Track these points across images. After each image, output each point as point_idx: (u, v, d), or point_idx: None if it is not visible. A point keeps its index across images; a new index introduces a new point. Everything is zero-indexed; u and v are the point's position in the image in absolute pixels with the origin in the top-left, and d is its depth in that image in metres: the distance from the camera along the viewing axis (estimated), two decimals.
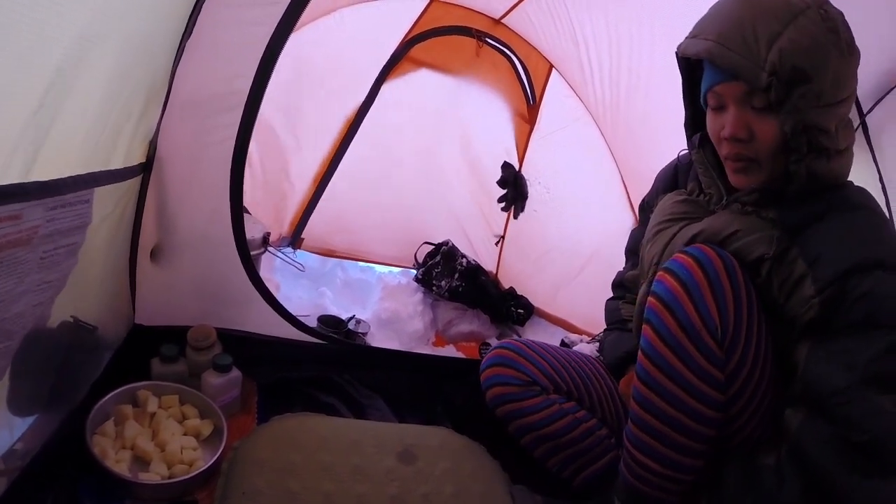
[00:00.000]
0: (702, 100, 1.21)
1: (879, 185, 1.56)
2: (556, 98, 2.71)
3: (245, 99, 1.36)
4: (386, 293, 2.70)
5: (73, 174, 0.95)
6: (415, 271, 2.83)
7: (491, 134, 2.82)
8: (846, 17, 1.09)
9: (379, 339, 2.48)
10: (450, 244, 2.86)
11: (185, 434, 1.45)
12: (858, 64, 1.11)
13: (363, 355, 1.97)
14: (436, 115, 2.75)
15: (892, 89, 1.55)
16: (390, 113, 2.66)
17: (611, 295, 1.69)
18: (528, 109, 2.74)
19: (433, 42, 2.59)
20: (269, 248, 1.98)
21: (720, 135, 1.15)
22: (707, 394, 1.08)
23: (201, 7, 1.23)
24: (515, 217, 2.83)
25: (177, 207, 1.48)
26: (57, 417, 1.29)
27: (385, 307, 2.62)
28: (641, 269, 1.39)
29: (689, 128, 1.32)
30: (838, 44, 1.06)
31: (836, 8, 1.09)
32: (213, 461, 1.37)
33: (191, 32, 1.25)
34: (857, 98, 1.58)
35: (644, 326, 1.12)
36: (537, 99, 2.73)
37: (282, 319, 1.75)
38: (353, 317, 2.43)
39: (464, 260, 2.80)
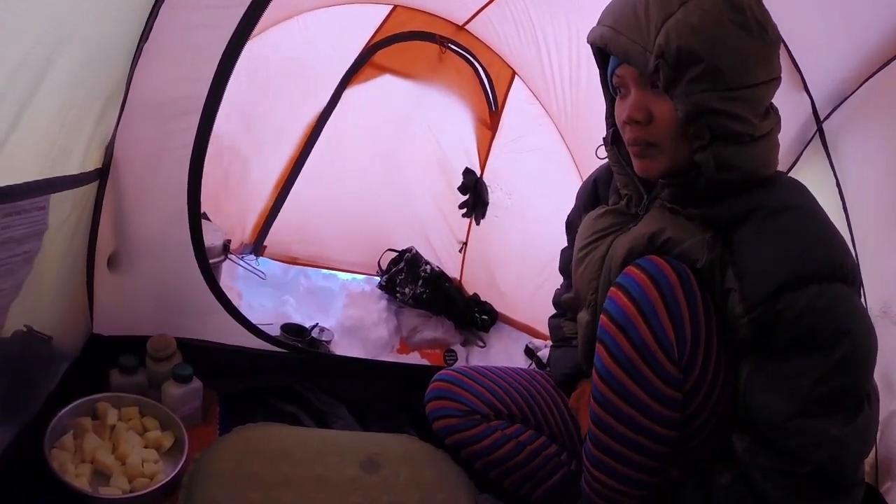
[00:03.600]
0: (609, 88, 1.18)
1: (836, 191, 1.59)
2: (518, 104, 2.73)
3: (202, 103, 1.33)
4: (350, 300, 2.68)
5: (28, 180, 0.92)
6: (378, 278, 2.82)
7: (453, 140, 2.82)
8: (800, 23, 1.08)
9: (343, 347, 2.46)
10: (413, 251, 2.85)
11: (145, 446, 1.42)
12: (778, 48, 1.05)
13: (326, 364, 1.95)
14: (398, 121, 2.75)
15: (847, 97, 1.59)
16: (353, 119, 2.64)
17: (555, 290, 1.67)
18: (490, 116, 2.76)
19: (396, 48, 2.59)
20: (230, 256, 1.94)
21: (622, 118, 1.11)
22: (663, 414, 1.04)
23: (158, 10, 1.20)
24: (477, 223, 2.84)
25: (134, 214, 1.44)
26: (11, 430, 1.24)
27: (349, 315, 2.60)
28: (577, 294, 1.33)
29: (609, 122, 1.26)
30: (744, 23, 0.99)
31: None
32: (174, 474, 1.34)
33: (148, 36, 1.23)
34: (813, 105, 1.63)
35: (598, 346, 1.08)
36: (499, 105, 2.75)
37: (243, 328, 1.72)
38: (315, 325, 2.41)
39: (427, 267, 2.80)
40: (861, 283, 1.05)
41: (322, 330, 2.42)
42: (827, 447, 0.93)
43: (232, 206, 2.54)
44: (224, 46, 1.29)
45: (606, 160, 1.30)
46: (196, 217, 1.48)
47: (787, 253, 0.97)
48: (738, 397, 1.03)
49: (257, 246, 2.68)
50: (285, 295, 2.62)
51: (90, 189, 1.32)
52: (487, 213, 2.81)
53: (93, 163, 1.29)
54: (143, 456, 1.38)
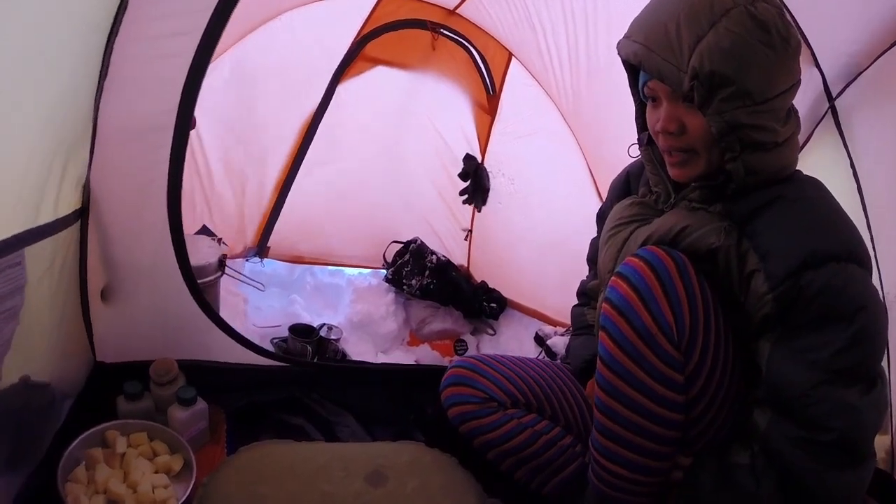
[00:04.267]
0: (640, 94, 1.21)
1: (850, 171, 1.54)
2: (516, 87, 2.66)
3: (171, 133, 1.32)
4: (357, 296, 2.68)
5: None
6: (385, 271, 2.81)
7: (452, 127, 2.78)
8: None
9: (353, 343, 2.48)
10: (418, 242, 2.83)
11: (155, 471, 1.44)
12: (799, 54, 1.10)
13: (329, 372, 1.96)
14: (395, 112, 2.70)
15: (860, 73, 1.52)
16: (348, 114, 2.60)
17: (580, 281, 1.67)
18: (489, 100, 2.69)
19: (387, 38, 2.53)
20: (228, 270, 1.94)
21: (655, 128, 1.16)
22: (668, 397, 1.08)
23: (113, 46, 1.19)
24: (478, 210, 2.80)
25: (119, 247, 1.45)
26: (20, 476, 1.27)
27: (357, 310, 2.61)
28: (599, 277, 1.39)
29: (639, 123, 1.30)
30: (770, 41, 1.04)
31: (770, 2, 1.08)
32: (184, 498, 1.37)
33: (107, 73, 1.21)
34: (825, 81, 1.57)
35: (601, 333, 1.12)
36: (497, 89, 2.68)
37: (243, 345, 1.73)
38: (323, 324, 2.42)
39: (433, 257, 2.78)
40: (871, 270, 1.08)
41: (330, 328, 2.42)
42: (847, 415, 0.98)
43: (232, 213, 2.53)
44: (185, 73, 1.27)
45: (639, 157, 1.35)
46: (180, 241, 1.48)
47: (807, 234, 1.03)
48: (758, 374, 1.08)
49: (261, 248, 2.68)
50: (293, 294, 2.62)
51: (71, 231, 1.32)
52: (490, 199, 2.77)
53: (69, 205, 1.29)
54: (153, 482, 1.40)
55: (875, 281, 1.37)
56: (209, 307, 1.62)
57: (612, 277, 1.12)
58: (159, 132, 1.31)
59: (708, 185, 1.16)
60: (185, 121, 1.29)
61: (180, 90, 1.27)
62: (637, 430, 1.10)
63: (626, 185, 1.48)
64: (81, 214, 1.35)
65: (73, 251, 1.37)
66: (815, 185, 1.14)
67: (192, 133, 2.17)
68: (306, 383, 1.85)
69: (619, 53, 1.18)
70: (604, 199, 1.59)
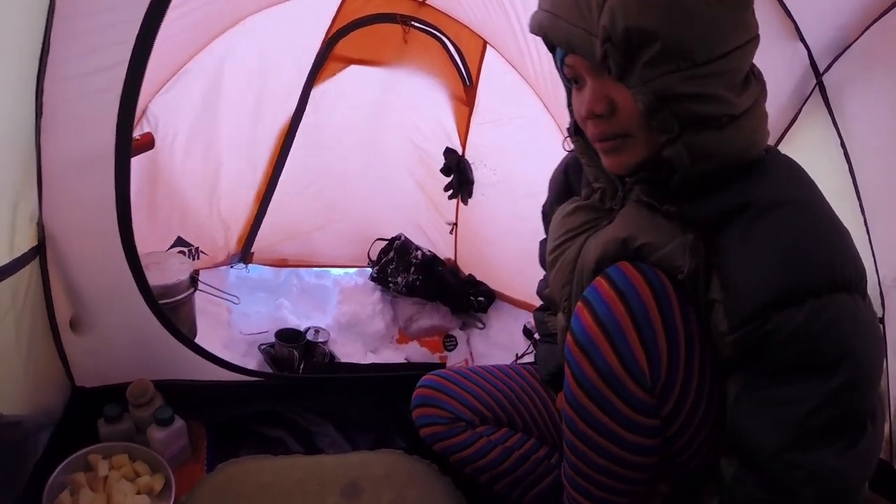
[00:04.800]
0: (562, 78, 1.03)
1: (841, 152, 1.46)
2: (493, 75, 2.60)
3: (112, 156, 1.31)
4: (343, 296, 2.68)
5: None
6: (370, 270, 2.80)
7: (431, 121, 2.73)
8: None
9: (341, 344, 2.48)
10: (402, 238, 2.81)
11: (137, 492, 1.45)
12: (752, 2, 0.89)
13: (309, 383, 1.96)
14: (372, 110, 2.66)
15: (849, 46, 1.44)
16: (325, 116, 2.57)
17: (538, 282, 1.62)
18: (466, 91, 2.64)
19: (357, 35, 2.47)
20: (201, 286, 1.94)
21: (581, 113, 0.97)
22: (638, 443, 0.96)
23: (43, 87, 1.18)
24: (465, 203, 2.77)
25: (80, 277, 1.44)
26: None
27: (344, 311, 2.61)
28: (552, 299, 1.24)
29: (571, 111, 1.09)
30: None
31: None
32: None
33: (41, 112, 1.20)
34: (811, 56, 1.48)
35: (565, 366, 0.99)
36: (474, 79, 2.63)
37: (214, 363, 1.74)
38: (310, 327, 2.43)
39: (418, 252, 2.76)
40: (864, 283, 0.89)
41: (318, 331, 2.43)
42: (823, 481, 0.84)
43: (212, 223, 2.53)
44: (117, 106, 1.25)
45: (573, 151, 1.16)
46: (136, 266, 1.47)
47: (778, 263, 0.84)
48: (725, 417, 0.94)
49: (245, 254, 2.67)
50: (279, 298, 2.63)
51: (30, 269, 1.32)
52: (474, 191, 2.74)
53: (25, 244, 1.29)
54: (136, 503, 1.42)
55: (870, 269, 1.30)
56: (175, 329, 1.62)
57: (579, 303, 0.97)
58: (101, 164, 1.30)
59: (648, 179, 0.95)
60: (124, 151, 1.28)
61: (115, 123, 1.26)
62: (605, 472, 1.00)
63: (565, 182, 1.30)
64: (39, 251, 1.35)
65: (35, 287, 1.37)
66: (794, 177, 0.93)
67: (163, 147, 2.18)
68: (285, 394, 1.86)
69: (530, 30, 0.98)
70: (542, 207, 1.42)
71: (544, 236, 2.42)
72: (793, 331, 0.82)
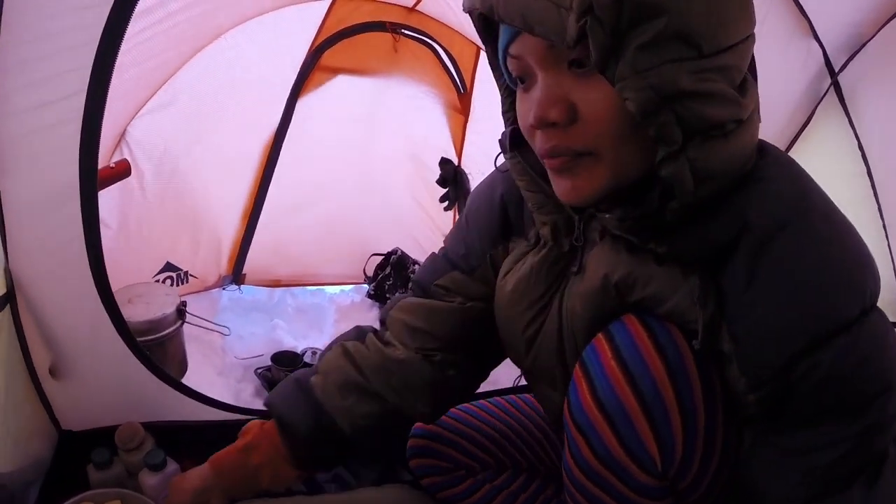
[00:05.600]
0: (505, 75, 0.82)
1: (858, 153, 1.40)
2: (488, 82, 2.47)
3: (77, 192, 1.20)
4: (340, 315, 2.59)
5: None
6: (367, 286, 2.71)
7: (424, 131, 2.66)
8: None
9: None
10: (399, 252, 2.73)
11: None
12: None
13: None
14: (362, 121, 2.57)
15: (865, 43, 1.39)
16: (312, 129, 2.48)
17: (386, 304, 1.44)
18: (460, 99, 2.57)
19: (344, 44, 2.39)
20: (189, 319, 1.86)
21: (528, 122, 0.74)
22: None
23: None
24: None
25: (54, 323, 1.35)
26: None
27: (341, 329, 2.45)
28: (531, 374, 1.03)
29: (509, 119, 0.90)
30: None
31: None
32: None
33: None
34: (826, 55, 1.41)
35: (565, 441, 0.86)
36: (468, 86, 2.56)
37: (204, 403, 1.65)
38: (307, 349, 2.34)
39: (416, 267, 2.67)
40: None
41: (315, 353, 2.34)
42: None
43: (200, 246, 2.44)
44: (79, 139, 1.14)
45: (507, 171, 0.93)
46: (112, 307, 1.38)
47: (800, 300, 0.68)
48: (737, 461, 0.80)
49: (236, 275, 2.59)
50: (275, 319, 2.53)
51: (1, 319, 1.23)
52: None
53: None
54: None
55: (888, 275, 1.24)
56: (160, 370, 1.53)
57: (576, 368, 0.82)
58: (66, 202, 1.21)
59: (629, 215, 0.74)
60: (89, 187, 1.18)
61: (77, 159, 1.15)
62: None
63: (502, 217, 1.01)
64: (9, 299, 1.26)
65: (8, 337, 1.28)
66: (790, 177, 0.76)
67: (145, 170, 2.09)
68: None
69: (464, 8, 0.78)
70: (447, 249, 1.13)
71: None
72: (824, 375, 0.67)
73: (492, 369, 1.23)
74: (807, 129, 1.51)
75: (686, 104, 0.64)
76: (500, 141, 0.90)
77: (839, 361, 0.67)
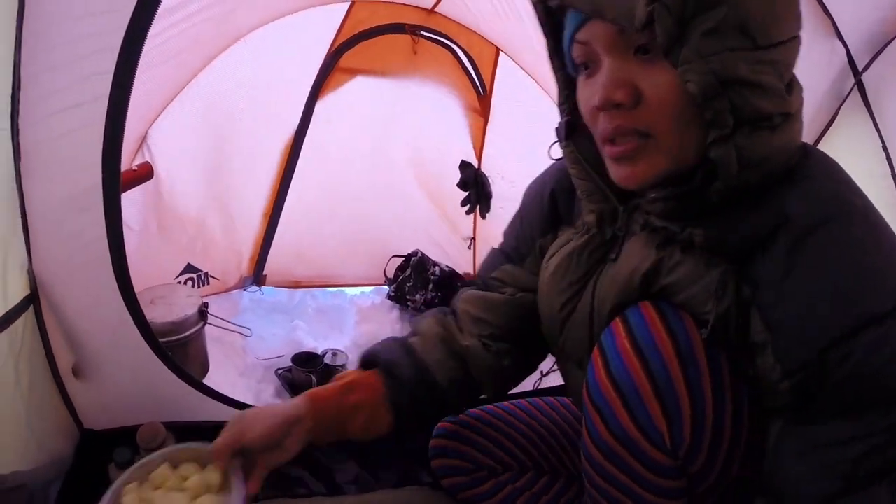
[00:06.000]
0: (568, 63, 0.86)
1: (883, 155, 1.38)
2: (507, 83, 2.52)
3: (101, 195, 1.22)
4: (361, 316, 2.59)
5: None
6: (387, 288, 2.71)
7: (444, 133, 2.64)
8: None
9: None
10: (419, 254, 2.71)
11: (195, 498, 1.09)
12: None
13: None
14: (381, 123, 2.57)
15: (889, 42, 1.36)
16: (332, 130, 2.48)
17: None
18: (480, 101, 2.55)
19: (363, 46, 2.39)
20: (210, 320, 1.87)
21: (591, 104, 0.79)
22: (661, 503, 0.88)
23: (18, 127, 1.09)
24: (483, 217, 2.67)
25: (77, 324, 1.37)
26: None
27: (362, 331, 2.52)
28: (563, 351, 1.07)
29: (565, 110, 0.94)
30: None
31: None
32: None
33: (19, 154, 1.12)
34: (849, 54, 1.39)
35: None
36: (488, 88, 2.54)
37: (225, 404, 1.66)
38: (328, 350, 2.35)
39: (436, 269, 2.66)
40: None
41: (335, 354, 2.35)
42: None
43: (222, 246, 2.45)
44: (102, 142, 1.16)
45: (561, 160, 0.98)
46: (134, 308, 1.40)
47: (837, 289, 0.70)
48: (763, 453, 0.81)
49: (257, 276, 2.60)
50: (295, 320, 2.54)
51: (25, 319, 1.25)
52: (492, 204, 2.64)
53: (18, 294, 1.22)
54: None
55: None
56: (182, 370, 1.54)
57: (595, 349, 0.86)
58: (90, 205, 1.22)
59: (674, 195, 0.79)
60: (112, 190, 1.20)
61: (100, 162, 1.17)
62: None
63: (551, 209, 1.08)
64: (32, 300, 1.28)
65: (31, 337, 1.30)
66: (831, 178, 0.79)
67: (167, 173, 2.11)
68: None
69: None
70: (507, 243, 1.21)
71: None
72: (856, 364, 0.69)
73: (539, 363, 1.26)
74: (830, 129, 1.49)
75: (741, 92, 0.69)
76: (556, 130, 0.94)
77: (871, 352, 0.69)
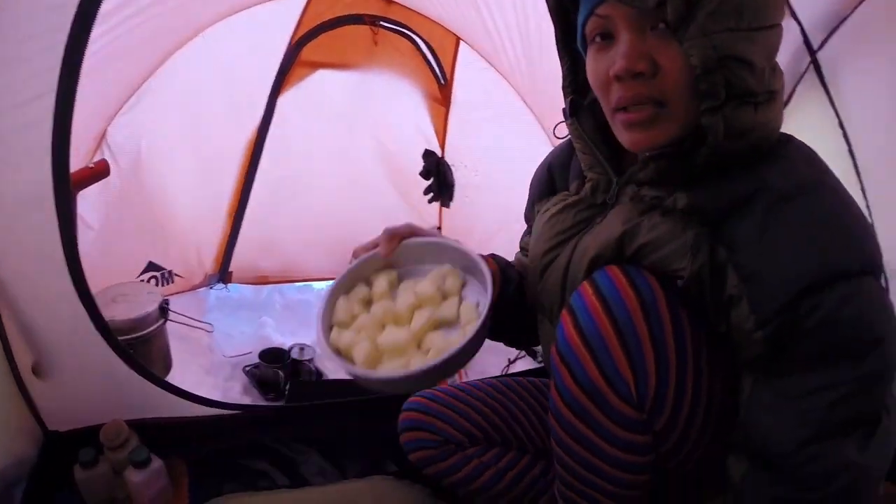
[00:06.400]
0: (579, 40, 0.92)
1: (839, 131, 1.40)
2: (468, 72, 2.53)
3: (52, 193, 1.21)
4: None
5: None
6: None
7: (407, 123, 2.65)
8: None
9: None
10: None
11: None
12: None
13: (290, 411, 1.88)
14: (344, 115, 2.56)
15: (845, 18, 1.37)
16: (295, 123, 2.48)
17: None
18: (441, 90, 2.56)
19: (324, 38, 2.39)
20: (172, 317, 1.86)
21: (609, 75, 0.85)
22: (627, 461, 0.90)
23: None
24: (446, 206, 2.69)
25: (34, 323, 1.36)
26: None
27: None
28: (540, 304, 1.14)
29: (568, 87, 1.02)
30: None
31: None
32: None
33: None
34: (804, 33, 1.42)
35: (551, 374, 0.93)
36: (448, 77, 2.55)
37: (187, 399, 1.66)
38: (294, 345, 2.35)
39: None
40: (883, 268, 0.84)
41: (302, 349, 2.36)
42: (845, 474, 0.78)
43: (186, 243, 2.44)
44: (50, 139, 1.15)
45: (566, 138, 1.08)
46: (91, 306, 1.39)
47: (807, 246, 0.77)
48: (735, 414, 0.87)
49: (223, 273, 2.59)
50: (263, 316, 2.54)
51: None
52: (456, 193, 2.66)
53: None
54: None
55: None
56: (142, 368, 1.54)
57: (564, 310, 0.90)
58: (42, 203, 1.21)
59: (668, 154, 0.87)
60: (63, 188, 1.19)
61: (49, 159, 1.16)
62: (593, 486, 0.94)
63: (548, 180, 1.18)
64: None
65: None
66: (809, 161, 0.87)
67: (126, 170, 2.09)
68: (268, 422, 1.78)
69: None
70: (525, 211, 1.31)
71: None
72: (824, 316, 0.75)
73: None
74: (787, 108, 1.50)
75: (734, 68, 0.78)
76: (563, 110, 1.02)
77: (840, 305, 0.75)
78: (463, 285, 1.05)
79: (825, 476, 0.78)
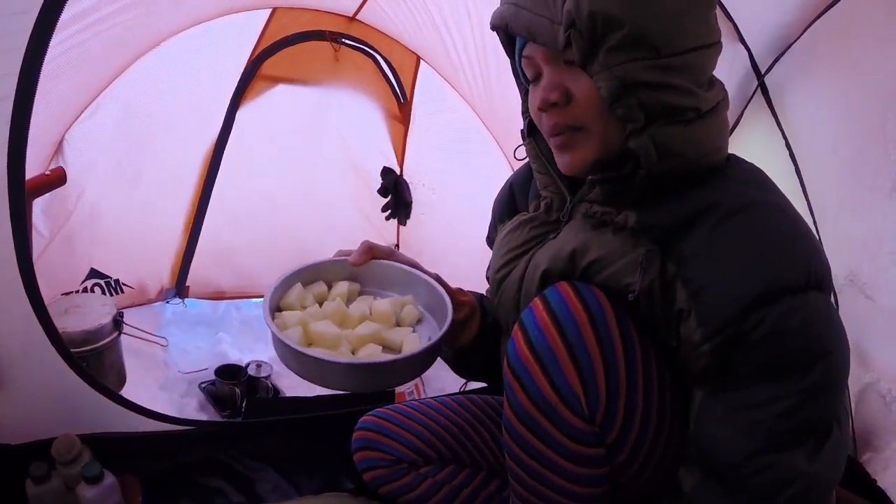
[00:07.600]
0: (521, 75, 1.01)
1: (786, 152, 1.45)
2: (427, 91, 2.57)
3: (6, 200, 1.18)
4: None
5: None
6: None
7: (366, 141, 2.67)
8: None
9: (285, 376, 2.37)
10: None
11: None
12: (714, 6, 0.90)
13: (246, 427, 1.86)
14: (304, 130, 2.57)
15: (790, 45, 1.42)
16: (254, 138, 2.47)
17: None
18: (400, 108, 2.60)
19: (285, 53, 2.40)
20: (126, 330, 1.83)
21: (535, 106, 0.93)
22: (581, 474, 0.91)
23: None
24: (403, 224, 2.71)
25: None
26: None
27: None
28: (497, 322, 1.17)
29: (526, 114, 1.07)
30: None
31: None
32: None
33: None
34: (752, 57, 1.46)
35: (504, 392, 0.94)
36: (409, 95, 2.58)
37: (140, 413, 1.63)
38: (251, 362, 2.32)
39: None
40: (832, 284, 0.87)
41: (259, 365, 2.33)
42: (796, 484, 0.80)
43: (141, 257, 2.40)
44: (6, 147, 1.13)
45: (525, 160, 1.13)
46: (44, 317, 1.36)
47: (753, 261, 0.80)
48: (686, 426, 0.89)
49: (180, 287, 2.55)
50: (219, 332, 2.51)
51: None
52: (413, 211, 2.68)
53: None
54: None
55: None
56: (95, 381, 1.50)
57: (515, 326, 0.92)
58: None
59: (610, 178, 0.90)
60: (17, 197, 1.17)
61: (5, 165, 1.14)
62: (549, 502, 0.95)
63: (510, 202, 1.22)
64: None
65: None
66: (759, 182, 0.91)
67: (81, 178, 2.05)
68: (223, 439, 1.75)
69: (490, 27, 0.97)
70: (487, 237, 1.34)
71: (485, 253, 2.38)
72: (770, 329, 0.77)
73: None
74: (736, 130, 1.56)
75: (647, 92, 0.83)
76: (521, 131, 1.08)
77: (785, 318, 0.77)
78: (419, 321, 1.13)
79: (775, 486, 0.80)
